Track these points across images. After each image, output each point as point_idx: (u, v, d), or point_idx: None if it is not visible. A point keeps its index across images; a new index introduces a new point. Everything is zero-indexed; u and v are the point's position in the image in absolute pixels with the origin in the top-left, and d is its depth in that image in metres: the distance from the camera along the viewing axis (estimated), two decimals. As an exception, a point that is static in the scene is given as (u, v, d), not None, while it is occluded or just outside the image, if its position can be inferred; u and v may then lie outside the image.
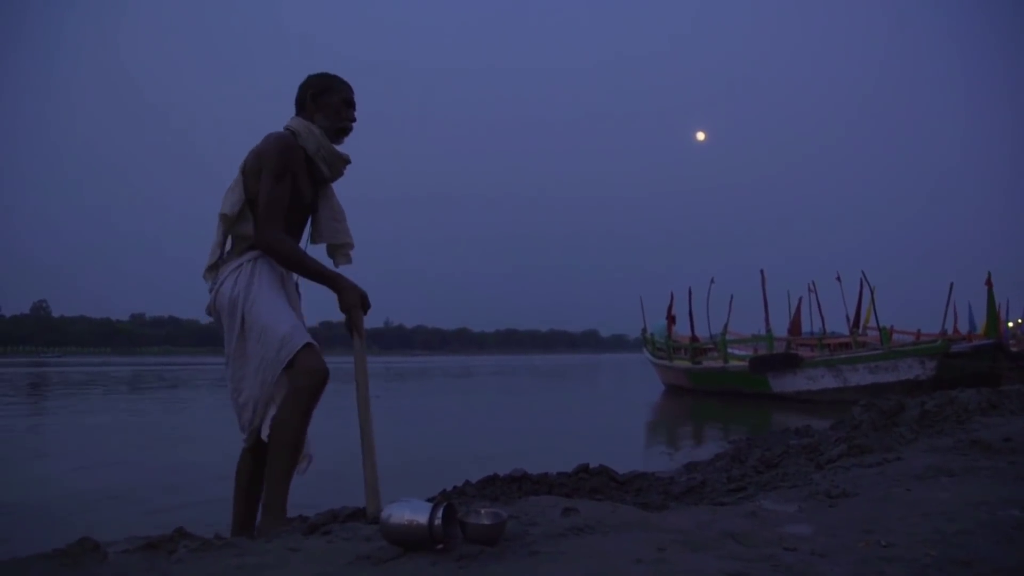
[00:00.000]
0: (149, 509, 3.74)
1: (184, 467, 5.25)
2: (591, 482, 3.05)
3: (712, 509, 2.13)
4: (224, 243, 2.34)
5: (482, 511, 1.69)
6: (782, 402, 12.24)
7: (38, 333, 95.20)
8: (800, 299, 16.20)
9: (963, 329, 17.60)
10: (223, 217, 2.30)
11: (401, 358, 77.50)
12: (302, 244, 2.46)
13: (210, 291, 2.34)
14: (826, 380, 12.29)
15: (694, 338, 16.22)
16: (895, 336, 13.66)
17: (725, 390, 13.97)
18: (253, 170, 2.28)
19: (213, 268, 2.35)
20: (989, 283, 13.49)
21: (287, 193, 2.28)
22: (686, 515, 2.01)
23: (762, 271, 15.51)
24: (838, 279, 14.85)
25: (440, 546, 1.55)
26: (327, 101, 2.39)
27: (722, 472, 3.41)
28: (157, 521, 2.92)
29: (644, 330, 18.37)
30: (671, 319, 17.29)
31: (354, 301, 2.27)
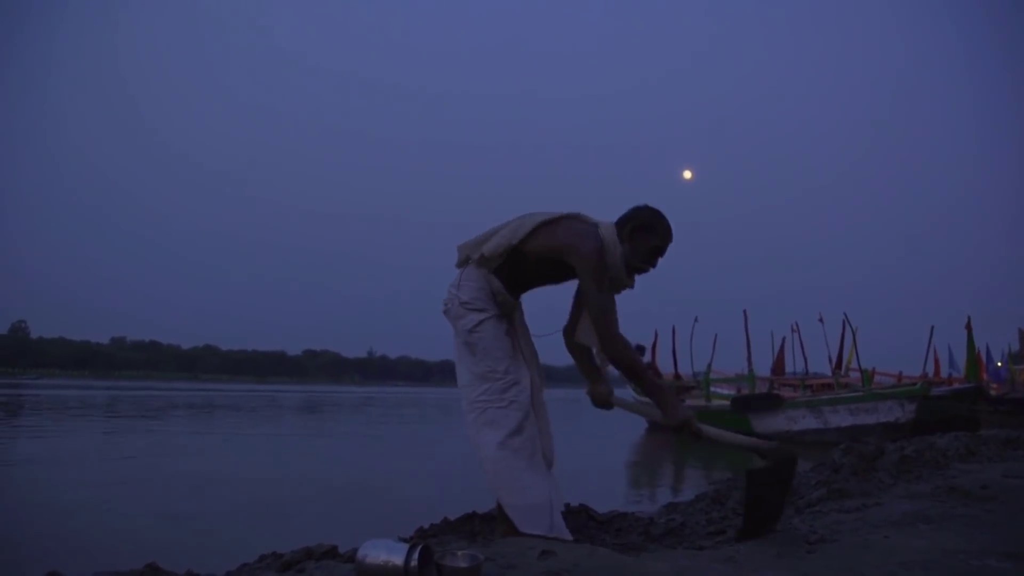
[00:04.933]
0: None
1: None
2: (571, 521, 3.02)
3: (690, 553, 2.12)
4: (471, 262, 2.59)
5: (459, 553, 1.68)
6: (764, 442, 12.24)
7: (16, 355, 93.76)
8: (783, 339, 16.32)
9: (944, 372, 17.74)
10: (482, 258, 2.52)
11: (382, 388, 76.94)
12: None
13: (451, 287, 2.61)
14: (807, 421, 12.31)
15: (677, 376, 16.24)
16: (877, 378, 13.77)
17: (707, 429, 13.95)
18: (557, 245, 2.45)
19: (464, 263, 2.63)
20: (969, 327, 13.65)
21: (613, 294, 2.47)
22: (664, 559, 2.00)
23: (744, 311, 15.61)
24: (820, 320, 14.98)
25: (415, 588, 1.53)
26: (642, 238, 2.49)
27: (702, 514, 3.38)
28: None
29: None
30: (650, 354, 17.33)
31: (681, 419, 2.39)
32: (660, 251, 2.53)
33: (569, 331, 2.72)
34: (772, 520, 2.38)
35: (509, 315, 2.64)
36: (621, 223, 2.51)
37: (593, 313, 2.39)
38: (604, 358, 2.65)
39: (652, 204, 2.56)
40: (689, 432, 2.39)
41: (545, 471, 2.48)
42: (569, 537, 2.41)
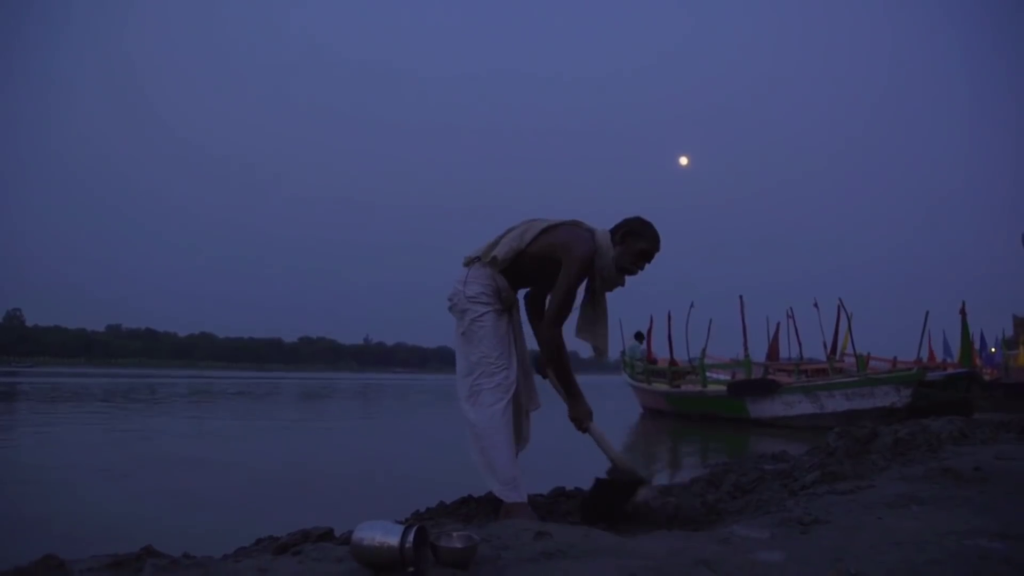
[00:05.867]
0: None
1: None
2: (567, 505, 3.04)
3: (685, 535, 2.14)
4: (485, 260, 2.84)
5: (454, 534, 1.69)
6: (759, 427, 12.28)
7: (11, 343, 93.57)
8: (778, 324, 16.33)
9: (938, 357, 17.80)
10: (494, 260, 2.78)
11: (379, 375, 77.06)
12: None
13: (457, 283, 2.86)
14: (803, 406, 12.35)
15: (673, 362, 16.26)
16: (871, 363, 13.79)
17: (703, 414, 13.99)
18: (556, 246, 2.73)
19: (469, 263, 2.87)
20: (963, 312, 13.69)
21: (575, 298, 2.77)
22: (659, 540, 2.01)
23: (741, 297, 15.64)
24: (815, 306, 14.99)
25: (411, 569, 1.54)
26: (632, 243, 2.77)
27: (697, 497, 3.41)
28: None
29: (623, 352, 18.40)
30: (646, 340, 17.35)
31: (579, 415, 2.86)
32: (647, 255, 2.81)
33: (531, 299, 3.07)
34: (604, 518, 2.66)
35: (509, 310, 2.90)
36: (614, 230, 2.80)
37: (556, 301, 2.69)
38: (600, 351, 2.94)
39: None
40: (580, 427, 2.85)
41: (514, 452, 2.76)
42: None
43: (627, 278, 2.86)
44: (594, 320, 2.88)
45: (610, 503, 2.72)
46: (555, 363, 2.82)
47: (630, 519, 2.67)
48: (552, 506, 2.98)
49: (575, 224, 2.84)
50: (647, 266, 2.85)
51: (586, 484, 3.31)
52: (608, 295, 2.93)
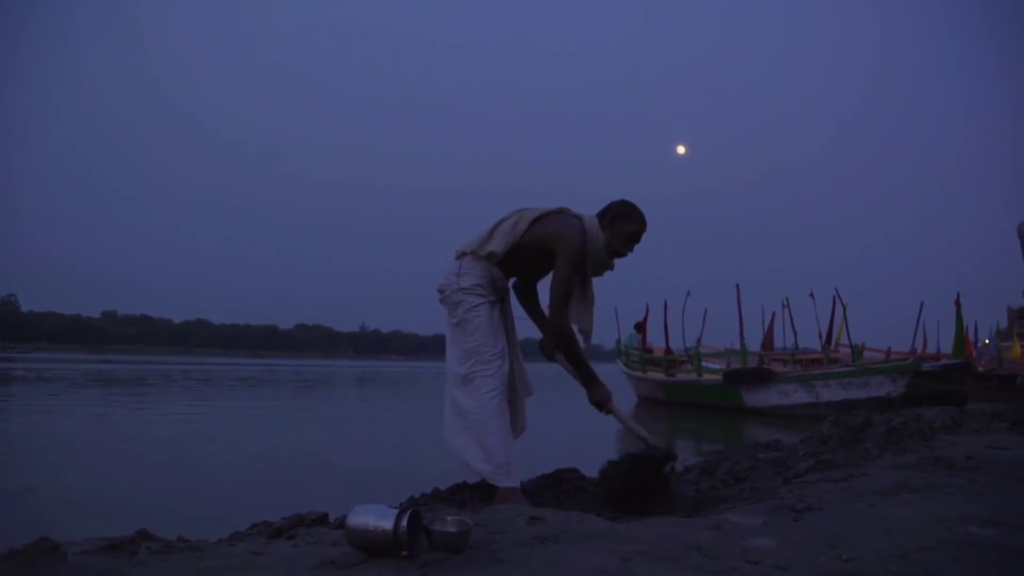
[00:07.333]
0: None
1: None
2: (560, 490, 3.05)
3: (678, 520, 2.15)
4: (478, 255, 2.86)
5: (448, 519, 1.69)
6: (754, 416, 12.33)
7: (6, 328, 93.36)
8: (773, 314, 16.37)
9: (931, 348, 17.87)
10: (491, 255, 2.82)
11: (376, 362, 77.12)
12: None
13: (450, 275, 2.88)
14: (799, 395, 12.40)
15: (668, 351, 16.29)
16: (866, 353, 13.84)
17: (698, 403, 14.04)
18: (548, 236, 2.79)
19: (461, 256, 2.90)
20: (958, 304, 13.73)
21: (573, 286, 2.81)
22: (651, 525, 2.02)
23: (737, 285, 15.65)
24: (811, 296, 15.03)
25: (405, 553, 1.54)
26: (620, 227, 2.83)
27: (691, 484, 3.43)
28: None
29: (619, 341, 18.41)
30: (643, 331, 17.35)
31: (600, 398, 2.92)
32: (636, 236, 2.88)
33: (520, 286, 3.09)
34: (634, 503, 2.65)
35: (502, 300, 2.95)
36: (601, 214, 2.87)
37: (557, 292, 2.75)
38: (587, 333, 3.02)
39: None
40: (603, 408, 2.91)
41: (510, 437, 2.79)
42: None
43: (616, 261, 2.92)
44: (582, 304, 2.94)
45: (645, 481, 2.73)
46: (566, 351, 2.88)
47: (661, 498, 2.69)
48: (546, 492, 2.99)
49: (563, 212, 2.91)
50: (635, 247, 2.92)
51: (581, 469, 3.33)
52: (598, 282, 2.99)
